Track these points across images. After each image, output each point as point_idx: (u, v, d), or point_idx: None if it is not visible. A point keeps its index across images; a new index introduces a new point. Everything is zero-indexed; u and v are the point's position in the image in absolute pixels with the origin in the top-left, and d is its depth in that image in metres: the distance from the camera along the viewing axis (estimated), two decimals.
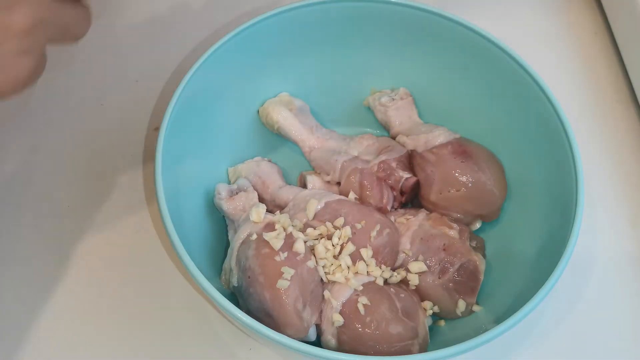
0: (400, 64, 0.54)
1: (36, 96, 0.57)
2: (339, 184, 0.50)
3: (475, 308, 0.47)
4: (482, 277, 0.47)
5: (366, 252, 0.45)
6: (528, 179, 0.50)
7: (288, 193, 0.49)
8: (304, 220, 0.47)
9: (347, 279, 0.44)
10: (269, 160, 0.52)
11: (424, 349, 0.44)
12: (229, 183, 0.51)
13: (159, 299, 0.49)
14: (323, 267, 0.45)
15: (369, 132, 0.55)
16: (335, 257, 0.45)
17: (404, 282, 0.47)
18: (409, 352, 0.43)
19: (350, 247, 0.45)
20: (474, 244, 0.48)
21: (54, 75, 0.58)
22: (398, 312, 0.44)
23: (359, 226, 0.46)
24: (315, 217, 0.47)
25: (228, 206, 0.48)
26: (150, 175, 0.54)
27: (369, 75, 0.55)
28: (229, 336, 0.48)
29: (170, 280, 0.50)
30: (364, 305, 0.43)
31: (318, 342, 0.45)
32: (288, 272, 0.42)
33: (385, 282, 0.46)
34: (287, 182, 0.52)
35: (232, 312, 0.39)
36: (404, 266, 0.47)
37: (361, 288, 0.44)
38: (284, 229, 0.45)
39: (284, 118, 0.52)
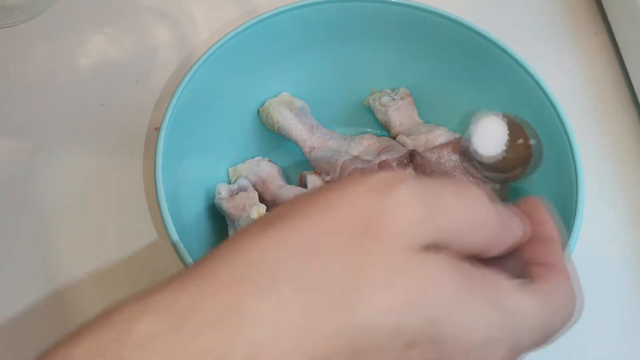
0: (400, 64, 0.54)
1: (36, 96, 0.57)
2: None
3: None
4: None
5: None
6: (528, 179, 0.50)
7: (288, 193, 0.49)
8: None
9: None
10: (270, 160, 0.52)
11: None
12: (230, 183, 0.51)
13: None
14: None
15: (369, 132, 0.55)
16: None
17: None
18: None
19: None
20: None
21: (54, 75, 0.58)
22: None
23: None
24: None
25: (228, 206, 0.48)
26: (150, 175, 0.54)
27: (369, 75, 0.55)
28: None
29: None
30: None
31: None
32: None
33: None
34: (287, 182, 0.52)
35: None
36: None
37: None
38: None
39: (285, 118, 0.52)
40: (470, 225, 0.25)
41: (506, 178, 0.48)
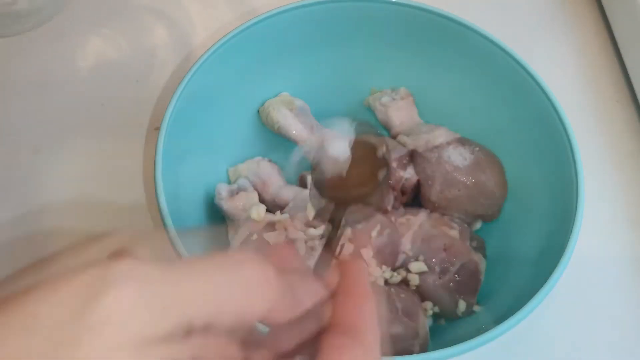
0: (400, 64, 0.54)
1: (36, 96, 0.57)
2: None
3: (476, 308, 0.47)
4: (482, 277, 0.47)
5: (367, 252, 0.45)
6: (528, 179, 0.50)
7: (288, 193, 0.49)
8: (305, 220, 0.46)
9: None
10: (269, 160, 0.52)
11: (424, 349, 0.44)
12: (229, 183, 0.51)
13: None
14: None
15: None
16: (336, 257, 0.45)
17: (405, 282, 0.47)
18: (409, 352, 0.43)
19: (350, 247, 0.45)
20: (474, 244, 0.48)
21: (54, 75, 0.58)
22: (398, 312, 0.44)
23: (359, 226, 0.46)
24: (315, 217, 0.46)
25: (228, 206, 0.48)
26: (150, 175, 0.53)
27: (369, 75, 0.55)
28: None
29: None
30: None
31: None
32: None
33: (386, 282, 0.46)
34: (287, 182, 0.52)
35: None
36: (404, 266, 0.47)
37: None
38: (285, 229, 0.45)
39: (285, 118, 0.52)
40: (233, 306, 0.22)
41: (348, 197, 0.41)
